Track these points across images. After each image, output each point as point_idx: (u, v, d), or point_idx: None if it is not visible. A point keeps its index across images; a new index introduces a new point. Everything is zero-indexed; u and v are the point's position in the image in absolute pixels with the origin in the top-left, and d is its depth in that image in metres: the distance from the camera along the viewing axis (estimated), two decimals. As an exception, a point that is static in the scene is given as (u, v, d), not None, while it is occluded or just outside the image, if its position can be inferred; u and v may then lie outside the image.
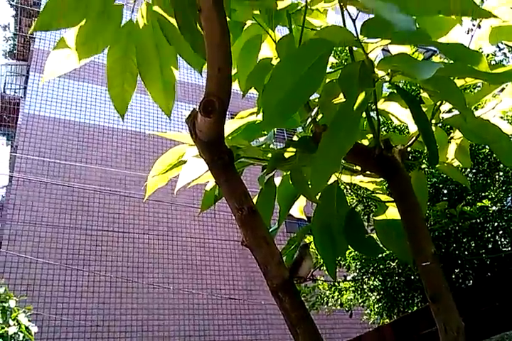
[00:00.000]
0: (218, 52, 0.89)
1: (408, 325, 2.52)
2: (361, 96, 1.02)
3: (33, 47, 14.22)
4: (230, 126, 1.45)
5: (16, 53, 17.52)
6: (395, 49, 1.63)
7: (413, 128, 1.79)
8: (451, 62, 1.17)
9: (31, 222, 11.13)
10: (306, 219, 2.16)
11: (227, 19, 1.19)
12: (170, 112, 1.21)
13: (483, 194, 3.71)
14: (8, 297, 8.45)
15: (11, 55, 19.46)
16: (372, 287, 4.15)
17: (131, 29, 1.18)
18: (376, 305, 4.27)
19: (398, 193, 1.51)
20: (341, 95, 1.35)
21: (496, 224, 3.68)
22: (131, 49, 1.19)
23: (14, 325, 7.92)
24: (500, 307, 2.02)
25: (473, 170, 3.95)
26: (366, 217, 4.16)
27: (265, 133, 1.64)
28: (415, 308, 3.74)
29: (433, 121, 1.76)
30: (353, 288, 4.31)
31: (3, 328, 7.70)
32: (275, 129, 1.65)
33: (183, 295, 11.86)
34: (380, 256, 3.81)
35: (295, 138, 1.64)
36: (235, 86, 1.37)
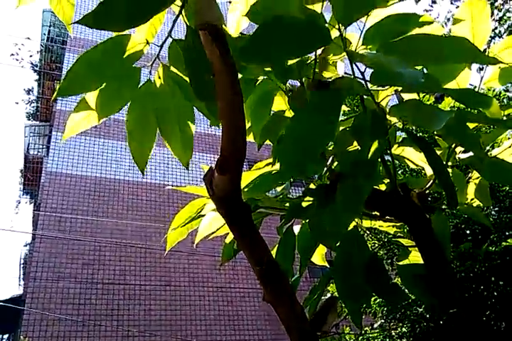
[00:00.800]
0: (231, 114, 0.92)
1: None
2: (375, 145, 1.04)
3: (55, 108, 14.78)
4: (247, 178, 1.47)
5: (39, 115, 18.23)
6: (406, 94, 1.66)
7: (430, 171, 1.80)
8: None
9: (53, 278, 11.12)
10: (328, 265, 2.13)
11: (240, 75, 1.24)
12: (188, 164, 1.24)
13: (507, 233, 3.63)
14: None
15: (34, 116, 20.27)
16: (400, 333, 4.00)
17: (149, 88, 1.24)
18: (407, 353, 4.11)
19: (419, 237, 1.50)
20: (355, 142, 1.37)
21: (524, 262, 3.58)
22: (150, 107, 1.24)
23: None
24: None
25: (496, 208, 3.89)
26: (389, 261, 4.08)
27: (281, 182, 1.65)
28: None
29: (449, 163, 1.76)
30: (381, 337, 4.16)
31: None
32: (290, 180, 1.67)
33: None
34: (406, 301, 3.70)
35: (312, 186, 1.65)
36: (250, 138, 1.40)
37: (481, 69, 1.76)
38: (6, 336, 15.96)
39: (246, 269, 13.10)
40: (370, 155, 0.99)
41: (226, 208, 1.02)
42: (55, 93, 1.11)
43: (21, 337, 9.88)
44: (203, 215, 1.37)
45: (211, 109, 1.06)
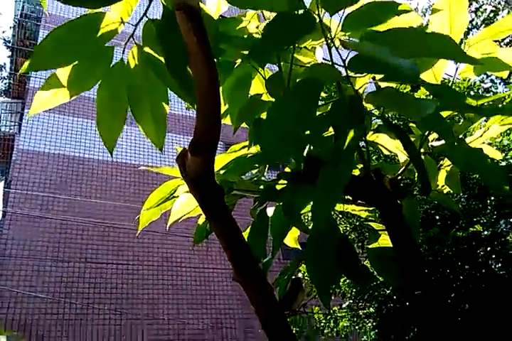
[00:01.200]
0: (207, 94, 0.91)
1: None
2: (352, 132, 1.05)
3: (28, 85, 14.38)
4: (222, 160, 1.47)
5: (12, 92, 17.77)
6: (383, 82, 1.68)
7: (403, 157, 1.82)
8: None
9: (24, 256, 11.01)
10: (300, 248, 2.17)
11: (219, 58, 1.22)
12: (162, 146, 1.22)
13: (475, 219, 3.73)
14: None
15: (6, 93, 19.80)
16: (368, 314, 4.11)
17: (122, 68, 1.21)
18: (372, 332, 4.22)
19: (389, 222, 1.53)
20: (330, 128, 1.38)
21: (488, 248, 3.69)
22: (122, 86, 1.22)
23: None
24: (495, 329, 2.02)
25: (465, 196, 3.98)
26: (360, 244, 4.16)
27: (256, 165, 1.66)
28: (411, 335, 3.70)
29: (422, 150, 1.79)
30: (349, 316, 4.27)
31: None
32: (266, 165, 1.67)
33: (178, 326, 11.66)
34: (375, 283, 3.79)
35: (287, 169, 1.66)
36: (227, 121, 1.40)
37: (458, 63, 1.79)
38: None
39: (219, 250, 13.19)
40: (347, 142, 1.00)
41: (199, 190, 1.02)
42: (24, 66, 1.08)
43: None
44: (177, 196, 1.37)
45: (186, 90, 1.04)
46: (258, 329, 11.25)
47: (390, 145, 1.76)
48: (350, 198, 1.75)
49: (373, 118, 1.68)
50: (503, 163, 3.85)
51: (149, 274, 12.17)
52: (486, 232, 3.60)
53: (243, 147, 1.50)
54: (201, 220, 1.50)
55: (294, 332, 1.28)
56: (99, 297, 11.24)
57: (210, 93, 0.89)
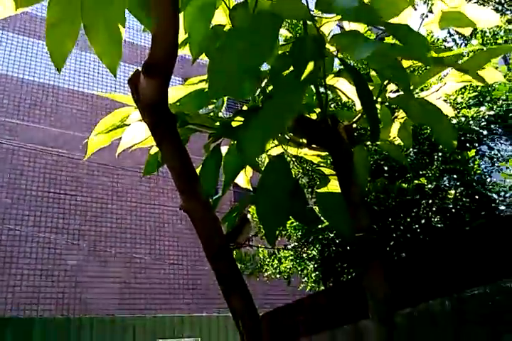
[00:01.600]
0: (166, 13, 0.86)
1: (341, 291, 2.65)
2: (310, 68, 1.04)
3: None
4: (178, 92, 1.43)
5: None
6: (350, 26, 1.65)
7: (359, 105, 1.84)
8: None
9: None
10: (252, 189, 2.20)
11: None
12: (115, 71, 1.17)
13: (421, 172, 3.87)
14: None
15: None
16: (310, 256, 4.30)
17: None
18: (313, 274, 4.44)
19: (340, 167, 1.56)
20: (292, 68, 1.36)
21: (430, 201, 3.87)
22: (75, 1, 1.13)
23: None
24: (427, 279, 2.16)
25: (415, 150, 4.10)
26: (310, 189, 4.26)
27: (214, 101, 1.63)
28: (349, 278, 3.92)
29: (379, 100, 1.81)
30: (292, 257, 4.45)
31: None
32: (225, 98, 1.65)
33: (125, 259, 11.82)
34: (320, 226, 3.93)
35: (245, 108, 1.65)
36: (186, 51, 1.35)
37: (426, 16, 1.78)
38: None
39: (172, 189, 13.23)
40: (303, 77, 0.99)
41: (151, 116, 0.99)
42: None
43: None
44: (128, 124, 1.33)
45: (144, 11, 0.99)
46: (205, 266, 11.53)
47: (349, 91, 1.77)
48: (305, 141, 1.77)
49: (335, 63, 1.67)
50: (454, 121, 3.96)
51: (97, 207, 12.10)
52: (430, 186, 3.76)
53: (201, 81, 1.47)
54: (153, 151, 1.49)
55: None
56: (45, 225, 11.15)
57: (169, 7, 0.84)
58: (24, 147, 11.47)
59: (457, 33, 5.78)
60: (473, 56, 1.83)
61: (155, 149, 1.47)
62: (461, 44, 5.88)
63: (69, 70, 13.27)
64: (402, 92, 1.78)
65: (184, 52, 1.40)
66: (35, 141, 11.73)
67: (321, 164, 2.04)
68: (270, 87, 1.52)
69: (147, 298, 11.84)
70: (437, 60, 1.15)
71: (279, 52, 1.45)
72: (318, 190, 1.90)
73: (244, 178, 2.08)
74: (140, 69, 0.95)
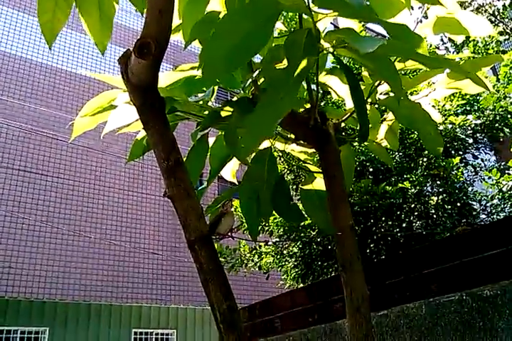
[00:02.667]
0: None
1: (319, 290, 2.66)
2: (303, 63, 1.03)
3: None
4: (169, 78, 1.41)
5: None
6: (344, 24, 1.65)
7: (350, 104, 1.84)
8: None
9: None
10: (237, 183, 2.19)
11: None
12: (104, 48, 1.15)
13: (405, 176, 3.90)
14: None
15: None
16: (291, 253, 4.31)
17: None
18: (293, 271, 4.45)
19: (326, 164, 1.56)
20: (285, 61, 1.36)
21: (412, 205, 3.90)
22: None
23: None
24: (405, 281, 2.18)
25: (400, 154, 4.13)
26: (295, 187, 4.27)
27: (204, 89, 1.62)
28: (327, 277, 3.94)
29: (369, 100, 1.82)
30: (273, 253, 4.45)
31: None
32: (215, 87, 1.64)
33: (104, 245, 11.74)
34: (302, 224, 3.94)
35: (235, 99, 1.64)
36: (179, 37, 1.33)
37: (420, 21, 1.78)
38: None
39: (156, 177, 13.18)
40: (297, 72, 0.98)
41: (140, 97, 0.97)
42: None
43: None
44: (115, 107, 1.31)
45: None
46: (186, 258, 11.50)
47: (340, 89, 1.77)
48: (293, 137, 1.77)
49: (327, 61, 1.67)
50: (441, 127, 3.99)
51: (80, 190, 11.98)
52: (413, 190, 3.78)
53: (192, 67, 1.45)
54: (139, 136, 1.47)
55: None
56: (25, 207, 11.01)
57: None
58: (7, 125, 11.29)
59: (450, 40, 5.82)
60: (465, 62, 1.84)
61: (141, 134, 1.46)
62: (453, 52, 5.93)
63: (60, 50, 13.10)
64: (392, 95, 1.79)
65: (176, 38, 1.39)
66: (19, 120, 11.55)
67: (308, 161, 2.04)
68: (261, 79, 1.51)
69: (124, 286, 11.79)
70: (435, 59, 1.15)
71: (273, 44, 1.44)
72: (303, 187, 1.90)
73: (230, 171, 2.07)
74: (132, 49, 0.93)
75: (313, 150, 1.94)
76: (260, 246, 4.59)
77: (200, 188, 1.85)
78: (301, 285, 4.33)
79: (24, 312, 10.34)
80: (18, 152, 11.43)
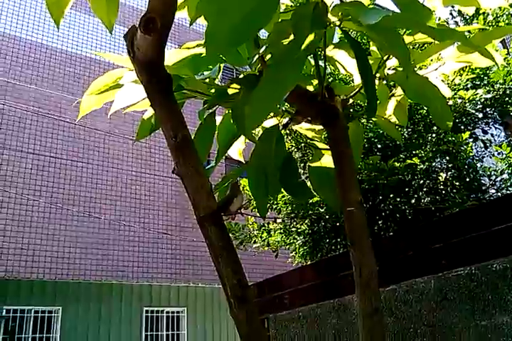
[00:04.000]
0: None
1: (328, 266, 2.68)
2: (311, 37, 1.02)
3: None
4: (174, 56, 1.40)
5: None
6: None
7: (358, 80, 1.82)
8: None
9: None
10: (244, 162, 2.19)
11: None
12: (111, 27, 1.13)
13: (414, 152, 3.86)
14: None
15: None
16: (299, 230, 4.33)
17: None
18: (301, 249, 4.47)
19: (334, 140, 1.55)
20: (291, 36, 1.34)
21: (421, 182, 3.88)
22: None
23: None
24: (413, 256, 2.18)
25: (409, 130, 4.09)
26: (302, 165, 4.26)
27: (210, 67, 1.61)
28: (336, 253, 3.96)
29: (377, 75, 1.79)
30: (281, 230, 4.47)
31: None
32: (222, 65, 1.62)
33: (114, 226, 11.86)
34: (310, 201, 3.94)
35: (241, 76, 1.62)
36: (184, 15, 1.31)
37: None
38: None
39: (164, 158, 13.19)
40: (304, 46, 0.97)
41: (146, 73, 0.96)
42: None
43: None
44: (121, 86, 1.30)
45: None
46: (195, 237, 11.59)
47: (348, 64, 1.74)
48: (300, 113, 1.76)
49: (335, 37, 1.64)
50: (450, 102, 3.93)
51: (88, 172, 12.04)
52: (422, 166, 3.76)
53: (198, 45, 1.43)
54: (146, 115, 1.46)
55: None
56: (34, 189, 11.10)
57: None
58: (14, 107, 11.29)
59: (459, 14, 5.70)
60: (475, 35, 1.80)
61: (148, 114, 1.45)
62: (463, 26, 5.81)
63: (67, 31, 12.99)
64: (400, 69, 1.76)
65: (182, 15, 1.37)
66: (26, 102, 11.54)
67: (315, 139, 2.03)
68: (268, 56, 1.49)
69: (135, 266, 11.95)
70: (445, 32, 1.12)
71: (279, 19, 1.42)
72: (311, 164, 1.90)
73: (237, 150, 2.07)
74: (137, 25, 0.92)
75: (320, 127, 1.93)
76: (269, 224, 4.61)
77: (208, 167, 1.85)
78: (310, 262, 4.36)
79: (37, 292, 10.55)
80: (26, 135, 11.45)
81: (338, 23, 1.27)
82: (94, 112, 1.47)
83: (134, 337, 11.55)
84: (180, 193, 13.04)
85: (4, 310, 10.08)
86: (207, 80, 1.46)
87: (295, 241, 4.49)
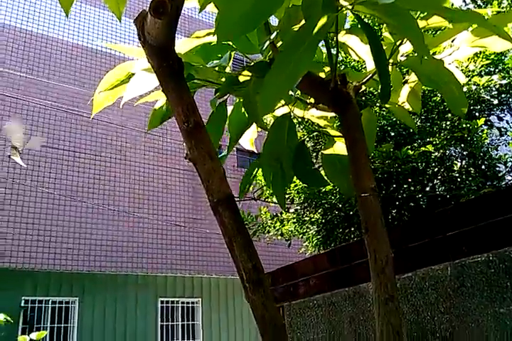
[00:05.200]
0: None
1: (342, 254, 2.67)
2: (322, 21, 1.00)
3: None
4: (184, 45, 1.38)
5: None
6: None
7: (370, 66, 1.79)
8: None
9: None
10: (256, 151, 2.18)
11: None
12: (120, 15, 1.12)
13: (428, 140, 3.82)
14: None
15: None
16: (312, 220, 4.31)
17: None
18: (314, 238, 4.46)
19: (347, 126, 1.54)
20: (303, 22, 1.31)
21: (436, 170, 3.84)
22: None
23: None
24: (429, 244, 2.17)
25: (423, 117, 4.04)
26: (315, 154, 4.23)
27: (220, 56, 1.59)
28: (349, 242, 3.94)
29: (390, 61, 1.76)
30: (295, 220, 4.47)
31: None
32: (232, 53, 1.60)
33: (129, 218, 11.95)
34: (323, 190, 3.93)
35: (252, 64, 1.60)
36: (194, 3, 1.30)
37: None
38: None
39: (176, 149, 13.25)
40: (315, 31, 0.95)
41: (158, 58, 0.96)
42: None
43: None
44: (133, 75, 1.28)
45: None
46: (208, 229, 11.65)
47: (360, 49, 1.72)
48: (313, 101, 1.74)
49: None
50: (465, 89, 3.87)
51: (102, 165, 12.13)
52: (436, 154, 3.72)
53: (208, 33, 1.42)
54: (158, 105, 1.46)
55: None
56: (48, 181, 11.22)
57: None
58: (29, 101, 11.37)
59: (472, 1, 5.59)
60: (490, 18, 1.76)
61: (160, 103, 1.45)
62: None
63: (80, 25, 13.04)
64: (414, 55, 1.74)
65: (191, 4, 1.35)
66: (41, 96, 11.63)
67: (327, 127, 2.01)
68: (279, 43, 1.47)
69: (149, 257, 12.05)
70: (460, 13, 1.10)
71: (290, 5, 1.40)
72: (324, 152, 1.88)
73: (248, 140, 2.06)
74: (147, 9, 0.91)
75: (332, 114, 1.91)
76: (281, 213, 4.61)
77: (220, 156, 1.85)
78: (323, 251, 4.36)
79: (54, 283, 10.71)
80: (39, 128, 11.55)
81: (349, 7, 1.25)
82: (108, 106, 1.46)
83: (150, 327, 11.70)
84: (191, 185, 13.11)
85: (23, 301, 10.26)
86: (217, 68, 1.45)
87: (308, 230, 4.48)
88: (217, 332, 12.76)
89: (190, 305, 12.72)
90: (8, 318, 7.36)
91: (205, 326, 12.68)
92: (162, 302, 12.21)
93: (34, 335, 3.23)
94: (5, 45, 11.83)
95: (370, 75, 1.75)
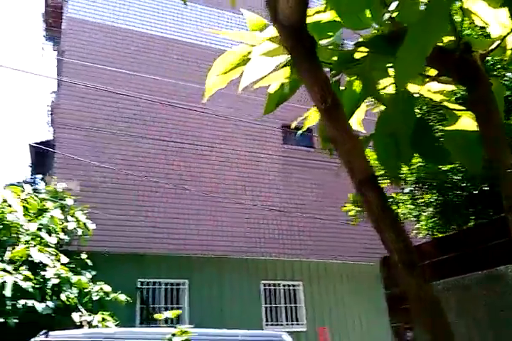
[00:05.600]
0: None
1: (474, 235, 2.49)
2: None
3: None
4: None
5: None
6: None
7: (496, 31, 1.61)
8: None
9: (81, 126, 11.38)
10: (363, 131, 2.09)
11: None
12: (235, 1, 1.08)
13: None
14: (65, 195, 8.99)
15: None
16: (427, 202, 4.06)
17: None
18: (429, 221, 4.20)
19: (478, 99, 1.40)
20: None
21: None
22: None
23: (73, 221, 8.54)
24: None
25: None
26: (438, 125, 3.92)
27: (331, 34, 1.51)
28: (472, 224, 3.66)
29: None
30: (409, 203, 4.25)
31: (62, 223, 8.31)
32: (341, 30, 1.52)
33: (232, 204, 12.22)
34: (442, 169, 3.66)
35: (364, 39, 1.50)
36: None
37: None
38: (39, 176, 17.05)
39: (272, 136, 13.31)
40: (440, 4, 0.85)
41: (291, 37, 0.91)
42: None
43: (53, 177, 10.51)
44: (248, 60, 1.24)
45: None
46: (307, 213, 11.58)
47: (486, 14, 1.55)
48: (434, 73, 1.60)
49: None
50: None
51: (197, 153, 12.46)
52: None
53: (317, 12, 1.34)
54: (272, 89, 1.41)
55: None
56: (155, 171, 11.75)
57: None
58: (137, 97, 11.91)
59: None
60: None
61: (274, 87, 1.40)
62: None
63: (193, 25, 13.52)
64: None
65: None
66: (144, 90, 12.16)
67: (445, 102, 1.86)
68: (395, 14, 1.36)
69: (252, 241, 12.29)
70: None
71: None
72: (447, 128, 1.75)
73: (356, 120, 1.98)
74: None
75: (451, 88, 1.76)
76: (396, 194, 4.42)
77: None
78: (438, 235, 4.10)
79: (165, 266, 11.32)
80: (134, 119, 12.11)
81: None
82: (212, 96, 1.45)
83: (255, 308, 11.99)
84: (285, 172, 13.16)
85: (139, 282, 10.99)
86: (330, 47, 1.37)
87: (422, 213, 4.24)
88: (320, 315, 12.78)
89: (292, 287, 12.85)
90: (129, 298, 7.98)
91: (309, 309, 12.75)
92: (265, 284, 12.45)
93: (169, 314, 3.46)
94: (98, 41, 12.49)
95: (497, 43, 1.58)
